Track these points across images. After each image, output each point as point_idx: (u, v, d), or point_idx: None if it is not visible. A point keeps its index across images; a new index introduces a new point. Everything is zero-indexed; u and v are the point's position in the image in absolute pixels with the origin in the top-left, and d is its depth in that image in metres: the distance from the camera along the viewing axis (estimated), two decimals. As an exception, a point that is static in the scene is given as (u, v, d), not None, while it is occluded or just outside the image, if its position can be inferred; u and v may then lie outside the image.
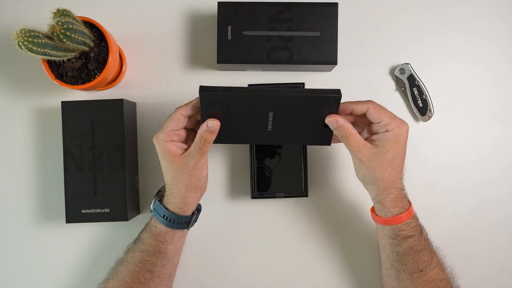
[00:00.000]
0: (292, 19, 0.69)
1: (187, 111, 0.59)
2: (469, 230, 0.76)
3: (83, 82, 0.67)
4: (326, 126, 0.58)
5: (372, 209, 0.65)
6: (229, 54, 0.69)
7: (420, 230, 0.62)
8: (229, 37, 0.69)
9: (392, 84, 0.76)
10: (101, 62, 0.67)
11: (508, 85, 0.76)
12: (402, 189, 0.62)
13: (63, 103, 0.68)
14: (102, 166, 0.68)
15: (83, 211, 0.68)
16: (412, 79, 0.74)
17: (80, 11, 0.65)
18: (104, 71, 0.65)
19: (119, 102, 0.68)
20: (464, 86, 0.76)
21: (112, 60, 0.66)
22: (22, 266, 0.74)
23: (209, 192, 0.70)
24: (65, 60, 0.65)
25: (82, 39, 0.62)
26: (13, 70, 0.75)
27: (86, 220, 0.68)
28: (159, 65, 0.75)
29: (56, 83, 0.66)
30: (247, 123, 0.59)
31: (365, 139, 0.59)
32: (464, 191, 0.76)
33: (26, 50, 0.58)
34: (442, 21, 0.76)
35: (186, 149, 0.60)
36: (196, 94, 0.76)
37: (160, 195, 0.65)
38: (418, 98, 0.75)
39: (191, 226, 0.65)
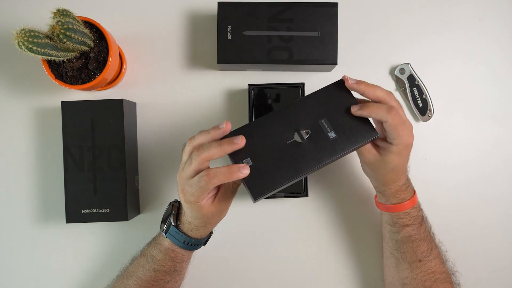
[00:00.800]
0: (292, 19, 0.69)
1: (227, 179, 0.53)
2: (469, 229, 0.76)
3: (83, 82, 0.67)
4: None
5: (376, 196, 0.67)
6: (229, 54, 0.69)
7: (419, 221, 0.63)
8: (229, 37, 0.69)
9: (392, 84, 0.76)
10: (101, 62, 0.67)
11: (508, 85, 0.76)
12: (404, 184, 0.62)
13: (63, 103, 0.68)
14: (102, 166, 0.68)
15: (83, 211, 0.68)
16: (412, 79, 0.74)
17: (80, 11, 0.65)
18: (104, 71, 0.65)
19: (119, 102, 0.68)
20: (464, 86, 0.76)
21: (112, 60, 0.66)
22: (22, 266, 0.74)
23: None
24: (65, 60, 0.65)
25: (82, 39, 0.62)
26: (13, 70, 0.75)
27: (86, 220, 0.68)
28: (159, 65, 0.75)
29: (56, 83, 0.66)
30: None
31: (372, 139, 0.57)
32: (464, 190, 0.76)
33: (26, 50, 0.58)
34: (442, 21, 0.76)
35: (213, 196, 0.57)
36: (196, 94, 0.76)
37: (174, 218, 0.61)
38: (418, 98, 0.75)
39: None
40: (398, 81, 0.75)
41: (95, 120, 0.68)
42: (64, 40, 0.60)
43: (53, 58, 0.62)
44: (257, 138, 0.55)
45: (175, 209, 0.62)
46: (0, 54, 0.75)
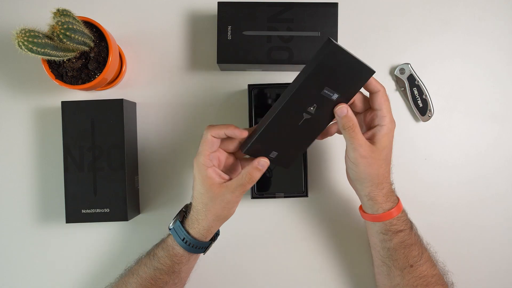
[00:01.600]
0: (292, 19, 0.69)
1: (217, 133, 0.58)
2: (469, 229, 0.76)
3: (83, 82, 0.67)
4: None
5: (361, 208, 0.65)
6: (229, 54, 0.69)
7: (410, 225, 0.63)
8: (229, 37, 0.69)
9: (392, 84, 0.76)
10: (101, 62, 0.67)
11: (508, 85, 0.76)
12: (392, 183, 0.63)
13: (63, 103, 0.68)
14: (102, 166, 0.68)
15: (83, 211, 0.68)
16: (412, 79, 0.74)
17: (80, 11, 0.65)
18: (104, 71, 0.65)
19: (119, 102, 0.68)
20: (464, 86, 0.76)
21: (112, 60, 0.66)
22: (22, 266, 0.74)
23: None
24: (65, 60, 0.65)
25: (82, 39, 0.62)
26: (13, 70, 0.75)
27: (86, 220, 0.68)
28: (159, 65, 0.75)
29: (56, 83, 0.66)
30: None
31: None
32: (464, 190, 0.76)
33: (26, 50, 0.58)
34: (442, 21, 0.76)
35: (224, 179, 0.59)
36: (196, 94, 0.76)
37: (182, 215, 0.63)
38: (418, 98, 0.75)
39: (208, 250, 0.65)
40: (398, 81, 0.75)
41: (95, 120, 0.68)
42: (64, 40, 0.60)
43: (53, 58, 0.62)
44: (273, 134, 0.58)
45: (185, 206, 0.64)
46: (0, 54, 0.75)
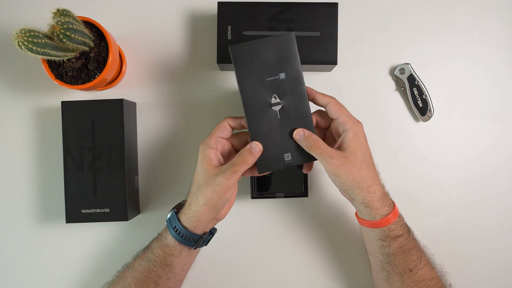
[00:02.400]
0: (292, 19, 0.69)
1: (234, 122, 0.60)
2: (469, 229, 0.76)
3: (83, 82, 0.67)
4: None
5: (357, 214, 0.64)
6: (229, 54, 0.69)
7: (407, 229, 0.63)
8: (229, 37, 0.69)
9: (392, 84, 0.76)
10: (101, 62, 0.67)
11: (508, 85, 0.76)
12: (384, 186, 0.62)
13: (63, 103, 0.68)
14: (102, 166, 0.68)
15: (83, 211, 0.68)
16: (412, 79, 0.74)
17: (80, 11, 0.65)
18: (104, 71, 0.65)
19: (119, 102, 0.68)
20: (464, 86, 0.76)
21: (112, 60, 0.66)
22: (22, 266, 0.74)
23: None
24: (65, 60, 0.65)
25: (82, 39, 0.62)
26: (13, 70, 0.75)
27: (86, 220, 0.68)
28: (159, 65, 0.75)
29: (56, 83, 0.66)
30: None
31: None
32: (464, 190, 0.76)
33: (26, 50, 0.58)
34: (442, 21, 0.76)
35: (221, 163, 0.60)
36: (196, 94, 0.76)
37: (179, 206, 0.64)
38: (418, 98, 0.75)
39: (200, 247, 0.63)
40: (398, 81, 0.75)
41: (95, 120, 0.68)
42: (64, 40, 0.60)
43: (53, 58, 0.62)
44: (265, 137, 0.60)
45: (185, 197, 0.64)
46: (0, 54, 0.75)
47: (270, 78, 0.58)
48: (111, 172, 0.68)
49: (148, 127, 0.75)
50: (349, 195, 0.61)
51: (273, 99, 0.58)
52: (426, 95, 0.75)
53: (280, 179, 0.71)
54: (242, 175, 0.59)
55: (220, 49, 0.69)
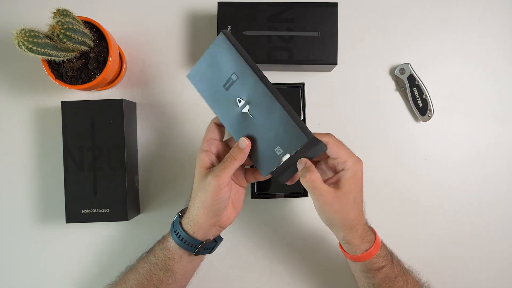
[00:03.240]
0: (292, 19, 0.69)
1: (219, 121, 0.59)
2: (469, 229, 0.76)
3: (83, 82, 0.67)
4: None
5: (340, 245, 0.62)
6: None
7: (390, 258, 0.61)
8: (229, 37, 0.69)
9: (392, 84, 0.76)
10: (101, 62, 0.67)
11: (508, 85, 0.76)
12: (366, 223, 0.60)
13: (63, 103, 0.68)
14: (102, 166, 0.68)
15: (83, 211, 0.68)
16: (412, 79, 0.74)
17: (80, 11, 0.65)
18: (104, 71, 0.65)
19: (119, 102, 0.68)
20: (464, 86, 0.76)
21: (112, 60, 0.66)
22: (22, 266, 0.74)
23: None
24: (65, 60, 0.65)
25: (82, 39, 0.62)
26: (13, 70, 0.75)
27: (86, 220, 0.68)
28: (159, 65, 0.75)
29: (56, 83, 0.66)
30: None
31: (324, 181, 0.56)
32: (464, 190, 0.76)
33: (26, 50, 0.58)
34: (442, 21, 0.76)
35: (214, 165, 0.58)
36: (196, 94, 0.76)
37: (183, 211, 0.62)
38: (418, 98, 0.75)
39: (202, 254, 0.61)
40: (398, 81, 0.75)
41: (95, 120, 0.68)
42: (64, 40, 0.60)
43: (53, 58, 0.62)
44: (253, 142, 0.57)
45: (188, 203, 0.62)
46: (0, 54, 0.75)
47: (225, 84, 0.56)
48: (111, 172, 0.68)
49: (148, 127, 0.75)
50: (331, 229, 0.60)
51: (239, 103, 0.56)
52: (426, 95, 0.75)
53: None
54: (247, 180, 0.59)
55: (220, 49, 0.69)
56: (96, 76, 0.66)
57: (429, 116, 0.75)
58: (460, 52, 0.76)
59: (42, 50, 0.59)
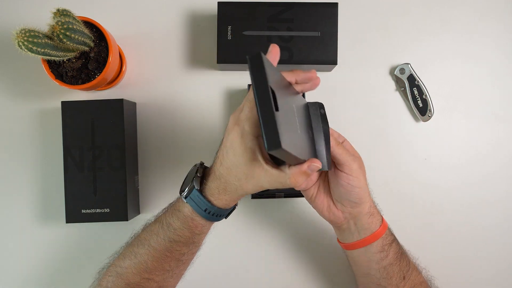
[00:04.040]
0: (292, 19, 0.69)
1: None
2: (469, 229, 0.76)
3: (83, 82, 0.67)
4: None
5: (352, 245, 0.61)
6: (229, 54, 0.69)
7: (394, 235, 0.62)
8: (229, 37, 0.69)
9: (392, 84, 0.76)
10: (101, 62, 0.67)
11: (508, 85, 0.76)
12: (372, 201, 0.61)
13: (63, 103, 0.68)
14: (102, 166, 0.68)
15: (83, 211, 0.68)
16: (412, 79, 0.74)
17: (80, 11, 0.65)
18: (104, 71, 0.65)
19: (119, 102, 0.68)
20: (464, 86, 0.76)
21: (112, 60, 0.66)
22: (22, 266, 0.74)
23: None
24: (65, 60, 0.65)
25: (82, 39, 0.62)
26: (13, 71, 0.75)
27: (86, 220, 0.68)
28: (159, 65, 0.75)
29: (56, 83, 0.66)
30: None
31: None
32: (464, 190, 0.76)
33: (26, 50, 0.58)
34: (442, 21, 0.76)
35: (266, 158, 0.48)
36: (196, 94, 0.76)
37: (198, 181, 0.54)
38: (418, 98, 0.75)
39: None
40: (398, 81, 0.75)
41: (95, 120, 0.68)
42: (64, 40, 0.60)
43: (53, 58, 0.62)
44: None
45: (200, 171, 0.55)
46: (0, 54, 0.75)
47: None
48: (111, 172, 0.68)
49: (148, 127, 0.75)
50: (358, 210, 0.58)
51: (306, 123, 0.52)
52: (426, 95, 0.75)
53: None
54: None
55: (220, 49, 0.69)
56: (96, 76, 0.66)
57: (429, 116, 0.75)
58: (460, 52, 0.76)
59: (42, 50, 0.59)
